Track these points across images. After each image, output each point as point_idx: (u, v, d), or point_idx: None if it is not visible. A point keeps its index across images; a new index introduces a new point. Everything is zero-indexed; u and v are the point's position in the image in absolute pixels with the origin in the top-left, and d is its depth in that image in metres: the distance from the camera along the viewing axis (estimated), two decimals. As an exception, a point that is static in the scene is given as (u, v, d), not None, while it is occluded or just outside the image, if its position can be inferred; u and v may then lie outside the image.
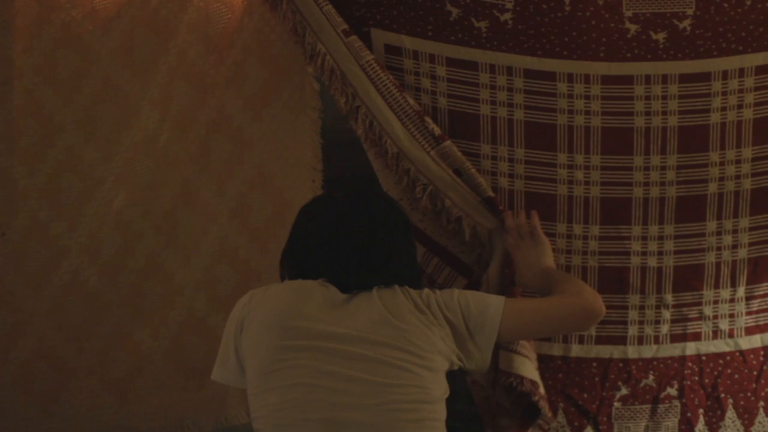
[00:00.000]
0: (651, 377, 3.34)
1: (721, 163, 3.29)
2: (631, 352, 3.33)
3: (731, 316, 3.34)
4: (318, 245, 2.79)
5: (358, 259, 2.76)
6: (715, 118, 3.27)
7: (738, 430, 3.32)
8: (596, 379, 3.33)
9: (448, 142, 3.21)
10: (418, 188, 3.21)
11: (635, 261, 3.32)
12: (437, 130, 3.21)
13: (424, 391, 2.65)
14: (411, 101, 3.21)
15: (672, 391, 3.33)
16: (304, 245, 2.82)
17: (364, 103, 3.22)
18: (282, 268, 2.87)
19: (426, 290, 2.79)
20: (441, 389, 2.71)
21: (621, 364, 3.33)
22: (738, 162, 3.29)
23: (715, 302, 3.34)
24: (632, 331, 3.33)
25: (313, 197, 3.04)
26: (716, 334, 3.34)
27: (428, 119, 3.21)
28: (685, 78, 3.26)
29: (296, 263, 2.83)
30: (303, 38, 3.24)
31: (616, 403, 3.33)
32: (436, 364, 2.70)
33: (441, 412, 2.70)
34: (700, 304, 3.34)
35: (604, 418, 3.32)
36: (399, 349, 2.65)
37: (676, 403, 3.33)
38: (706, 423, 3.33)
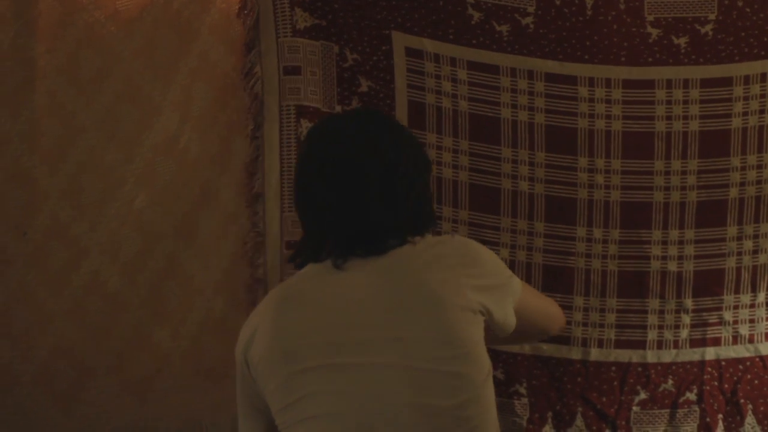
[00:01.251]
0: (670, 382, 3.33)
1: (742, 168, 3.28)
2: (651, 356, 3.33)
3: (751, 321, 3.33)
4: (328, 179, 2.40)
5: (380, 192, 2.36)
6: (736, 123, 3.27)
7: (757, 435, 3.32)
8: (615, 383, 3.32)
9: None
10: (251, 237, 3.31)
11: (655, 265, 3.32)
12: None
13: (470, 394, 2.28)
14: None
15: (691, 396, 3.32)
16: (312, 181, 2.43)
17: (263, 137, 3.30)
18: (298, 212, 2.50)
19: (458, 236, 2.51)
20: (484, 369, 2.34)
21: (640, 369, 3.33)
22: (759, 167, 3.28)
23: (736, 307, 3.33)
24: (652, 335, 3.33)
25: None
26: (736, 339, 3.33)
27: None
28: (706, 83, 3.26)
29: (306, 208, 2.44)
30: (248, 54, 3.30)
31: (634, 408, 3.32)
32: (473, 338, 2.29)
33: (489, 401, 2.34)
34: (720, 309, 3.33)
35: (623, 422, 3.31)
36: (430, 341, 2.25)
37: (695, 408, 3.32)
38: (726, 428, 3.31)
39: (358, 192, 2.36)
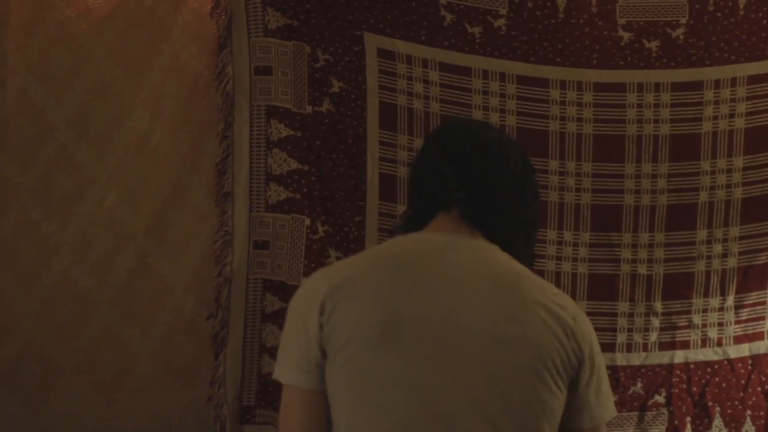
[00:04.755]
0: (639, 384, 3.34)
1: (712, 172, 3.29)
2: (620, 359, 3.34)
3: (720, 324, 3.34)
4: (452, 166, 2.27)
5: (514, 191, 2.26)
6: (706, 126, 3.28)
7: (725, 438, 3.33)
8: (584, 385, 3.33)
9: (274, 214, 3.30)
10: (220, 235, 3.32)
11: (625, 268, 3.33)
12: (273, 200, 3.30)
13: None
14: (270, 162, 3.30)
15: (660, 398, 3.33)
16: (454, 151, 2.28)
17: (232, 137, 3.31)
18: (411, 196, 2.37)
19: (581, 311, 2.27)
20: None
21: (609, 371, 3.31)
22: (729, 171, 3.29)
23: (705, 311, 3.34)
24: (621, 338, 3.33)
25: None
26: (705, 342, 3.35)
27: (274, 185, 3.30)
28: (677, 86, 3.27)
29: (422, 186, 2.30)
30: (220, 53, 3.30)
31: (603, 410, 3.33)
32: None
33: None
34: (689, 312, 3.34)
35: (592, 425, 3.32)
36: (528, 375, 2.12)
37: (664, 410, 3.33)
38: (693, 431, 3.32)
39: (496, 178, 2.26)
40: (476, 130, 2.34)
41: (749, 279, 3.34)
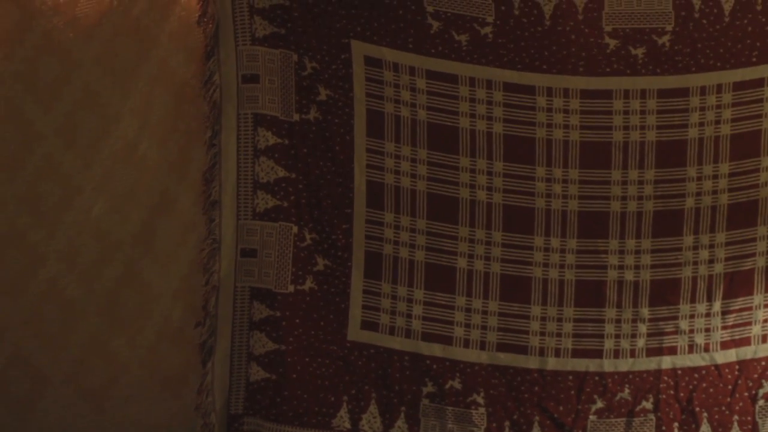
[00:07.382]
0: (626, 390, 3.34)
1: (699, 178, 3.30)
2: (607, 365, 3.34)
3: (707, 330, 3.35)
4: None
5: None
6: (692, 133, 3.29)
7: (712, 444, 3.34)
8: (572, 392, 3.33)
9: (262, 222, 3.32)
10: (207, 243, 3.33)
11: (612, 275, 3.33)
12: (260, 208, 3.31)
13: None
14: (257, 170, 3.31)
15: (647, 404, 3.34)
16: None
17: (219, 145, 3.32)
18: None
19: None
20: None
21: (597, 377, 3.34)
22: (715, 177, 3.30)
23: (691, 316, 3.35)
24: (608, 344, 3.34)
25: None
26: (692, 348, 3.35)
27: (261, 193, 3.31)
28: (663, 93, 3.28)
29: None
30: (207, 61, 3.32)
31: (591, 416, 3.33)
32: None
33: None
34: (676, 318, 3.35)
35: (580, 431, 3.32)
36: None
37: (651, 416, 3.34)
38: (681, 437, 3.34)
39: None
40: None
41: (735, 284, 3.35)
